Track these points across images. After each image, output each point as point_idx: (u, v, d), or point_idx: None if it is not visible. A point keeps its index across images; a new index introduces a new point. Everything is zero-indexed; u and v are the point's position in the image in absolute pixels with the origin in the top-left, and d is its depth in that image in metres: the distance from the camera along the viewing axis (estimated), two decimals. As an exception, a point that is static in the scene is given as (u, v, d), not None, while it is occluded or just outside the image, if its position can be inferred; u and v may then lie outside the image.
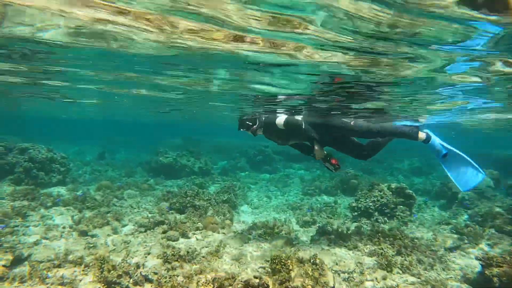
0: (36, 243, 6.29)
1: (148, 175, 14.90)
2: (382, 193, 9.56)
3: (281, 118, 5.87)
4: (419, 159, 20.20)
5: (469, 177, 5.49)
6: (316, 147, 5.68)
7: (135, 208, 9.21)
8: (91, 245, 6.22)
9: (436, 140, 5.70)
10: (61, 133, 34.11)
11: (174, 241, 6.65)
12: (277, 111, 8.58)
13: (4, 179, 10.34)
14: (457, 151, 5.57)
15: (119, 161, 19.04)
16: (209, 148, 19.62)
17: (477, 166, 5.41)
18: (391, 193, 9.63)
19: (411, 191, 9.53)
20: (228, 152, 20.35)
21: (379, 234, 6.70)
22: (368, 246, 6.48)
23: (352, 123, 5.77)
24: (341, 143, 5.95)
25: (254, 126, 6.17)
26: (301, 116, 6.08)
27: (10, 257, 5.35)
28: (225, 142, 22.49)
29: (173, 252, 5.33)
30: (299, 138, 6.03)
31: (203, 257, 5.73)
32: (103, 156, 18.91)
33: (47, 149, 11.56)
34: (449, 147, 5.63)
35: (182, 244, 6.54)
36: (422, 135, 5.68)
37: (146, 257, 5.78)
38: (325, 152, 5.76)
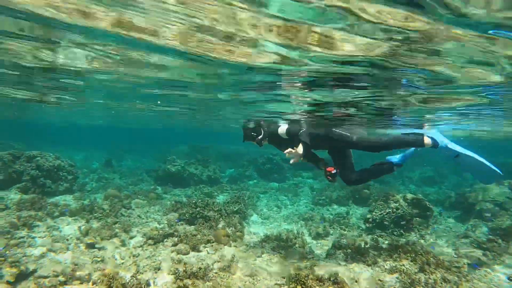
0: (42, 256, 6.05)
1: (156, 183, 14.67)
2: (397, 204, 9.21)
3: (283, 128, 5.81)
4: (431, 168, 19.76)
5: (486, 174, 5.24)
6: (298, 147, 5.34)
7: (143, 218, 8.96)
8: (99, 259, 5.96)
9: (444, 142, 5.33)
10: (68, 139, 34.19)
11: (184, 254, 6.37)
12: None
13: (12, 187, 10.17)
14: (468, 153, 5.22)
15: (126, 168, 18.86)
16: (216, 156, 19.36)
17: (491, 165, 5.10)
18: (406, 204, 9.29)
19: (428, 203, 9.18)
20: (235, 160, 20.08)
21: (400, 250, 6.36)
22: (388, 262, 6.15)
23: (354, 138, 5.49)
24: (337, 157, 5.75)
25: (259, 137, 5.99)
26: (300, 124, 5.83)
27: (15, 271, 5.12)
28: (232, 149, 22.22)
29: (185, 269, 5.06)
30: None
31: (216, 273, 5.45)
32: (110, 163, 18.74)
33: (54, 156, 11.40)
34: (458, 149, 5.28)
35: (193, 258, 6.26)
36: (427, 140, 5.33)
37: (156, 272, 5.51)
38: (303, 154, 5.32)
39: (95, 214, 8.57)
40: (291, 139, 5.72)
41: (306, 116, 7.79)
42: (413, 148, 5.54)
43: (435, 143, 5.29)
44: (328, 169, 5.40)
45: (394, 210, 9.06)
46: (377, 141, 5.47)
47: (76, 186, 11.84)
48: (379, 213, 9.17)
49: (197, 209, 8.30)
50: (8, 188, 10.14)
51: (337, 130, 5.65)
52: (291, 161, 5.28)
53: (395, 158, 5.64)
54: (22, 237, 6.78)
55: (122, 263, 6.03)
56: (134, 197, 10.99)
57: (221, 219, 8.14)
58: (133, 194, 11.14)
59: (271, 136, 6.01)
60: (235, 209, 8.97)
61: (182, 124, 17.79)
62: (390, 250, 6.53)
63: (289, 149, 5.21)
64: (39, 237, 7.02)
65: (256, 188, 15.35)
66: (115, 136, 38.29)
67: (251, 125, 6.37)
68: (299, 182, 16.85)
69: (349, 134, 5.52)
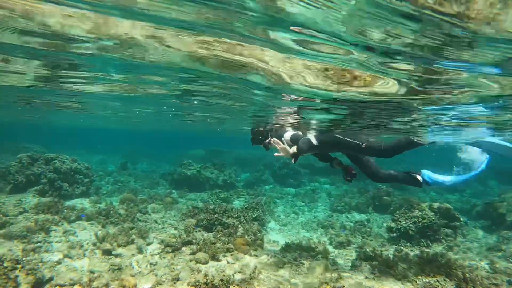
0: (58, 262, 5.88)
1: (171, 187, 14.52)
2: (423, 213, 8.77)
3: (288, 134, 5.84)
4: (450, 174, 19.02)
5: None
6: (293, 147, 5.16)
7: (159, 224, 8.76)
8: (116, 267, 5.74)
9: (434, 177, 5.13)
10: (85, 142, 34.61)
11: (203, 264, 6.11)
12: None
13: (30, 190, 10.15)
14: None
15: (141, 171, 18.81)
16: (231, 160, 19.14)
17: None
18: (433, 213, 8.83)
19: (456, 212, 8.70)
20: (251, 164, 19.80)
21: (432, 263, 5.94)
22: (420, 277, 5.73)
23: (363, 145, 5.26)
24: (355, 159, 5.62)
25: (266, 141, 6.02)
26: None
27: (31, 278, 4.94)
28: (247, 153, 21.94)
29: (205, 280, 4.78)
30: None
31: (238, 285, 5.15)
32: (126, 166, 18.72)
33: (71, 159, 11.37)
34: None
35: (212, 268, 5.98)
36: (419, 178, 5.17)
37: (175, 283, 5.25)
38: (291, 151, 5.11)
39: (111, 219, 8.41)
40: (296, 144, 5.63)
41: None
42: (451, 180, 5.13)
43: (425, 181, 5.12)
44: (349, 169, 5.39)
45: (420, 219, 8.62)
46: (387, 145, 5.22)
47: (92, 189, 11.76)
48: (404, 222, 8.74)
49: (216, 216, 8.04)
50: (26, 191, 10.12)
51: (345, 137, 5.46)
52: (275, 154, 5.18)
53: (429, 175, 5.26)
54: (39, 242, 6.65)
55: (140, 272, 5.80)
56: (150, 201, 10.82)
57: (240, 226, 7.86)
58: (149, 199, 10.97)
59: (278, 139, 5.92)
60: (254, 216, 8.66)
61: (198, 128, 17.61)
62: (420, 263, 6.11)
63: (277, 140, 5.06)
64: (56, 241, 6.88)
65: (272, 193, 15.04)
66: (130, 139, 38.55)
67: (260, 129, 6.38)
68: (316, 188, 16.44)
69: (358, 142, 5.31)
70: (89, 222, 8.37)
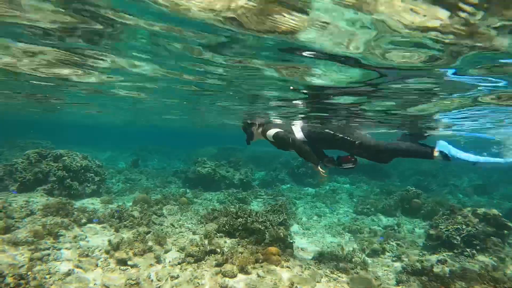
0: (68, 274, 5.18)
1: (184, 186, 13.87)
2: (466, 219, 7.93)
3: (271, 132, 5.71)
4: (478, 175, 18.09)
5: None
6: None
7: (176, 228, 8.06)
8: (133, 282, 5.02)
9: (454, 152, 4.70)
10: (93, 138, 34.25)
11: (231, 278, 5.37)
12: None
13: (37, 188, 9.53)
14: (483, 159, 4.54)
15: (152, 169, 18.21)
16: (245, 158, 18.41)
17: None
18: (477, 220, 7.98)
19: (507, 220, 7.84)
20: (265, 163, 19.07)
21: (498, 282, 5.12)
22: (485, 299, 4.93)
23: (357, 142, 5.21)
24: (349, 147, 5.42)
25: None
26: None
27: (37, 295, 4.25)
28: (261, 151, 21.15)
29: (241, 303, 4.03)
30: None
31: (276, 307, 4.40)
32: (137, 163, 18.15)
33: (82, 156, 10.74)
34: (473, 157, 4.57)
35: (242, 283, 5.24)
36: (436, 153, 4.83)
37: (202, 303, 4.52)
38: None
39: (125, 222, 7.72)
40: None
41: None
42: (477, 158, 4.59)
43: (446, 156, 4.71)
44: (345, 158, 5.23)
45: (463, 226, 7.78)
46: (385, 146, 5.10)
47: (103, 188, 11.13)
48: (445, 229, 7.90)
49: (239, 220, 7.29)
50: (34, 189, 9.51)
51: (337, 133, 5.38)
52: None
53: (448, 148, 4.78)
54: (47, 249, 5.96)
55: (159, 286, 5.09)
56: (165, 202, 10.14)
57: (266, 232, 7.10)
58: (164, 200, 10.29)
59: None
60: (280, 220, 7.91)
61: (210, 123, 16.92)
62: (482, 280, 5.30)
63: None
64: (65, 248, 6.19)
65: (290, 193, 14.30)
66: (139, 135, 38.10)
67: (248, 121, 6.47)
68: (336, 188, 15.65)
69: (351, 139, 5.23)
70: (101, 226, 7.71)
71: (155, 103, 9.43)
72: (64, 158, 10.22)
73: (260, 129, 6.07)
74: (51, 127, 33.90)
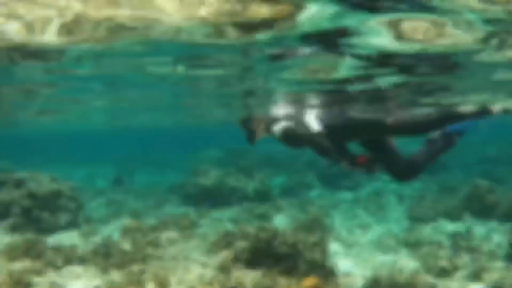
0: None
1: (185, 204, 13.90)
2: None
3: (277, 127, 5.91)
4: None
5: None
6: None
7: (181, 262, 7.97)
8: None
9: None
10: (64, 152, 34.57)
11: (261, 324, 5.18)
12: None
13: (-2, 225, 9.59)
14: None
15: (141, 185, 18.31)
16: (258, 161, 18.38)
17: None
18: None
19: None
20: (285, 164, 18.94)
21: None
22: None
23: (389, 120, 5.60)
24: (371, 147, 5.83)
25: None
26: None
27: None
28: (277, 150, 20.89)
29: None
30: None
31: None
32: (120, 180, 18.27)
33: (50, 178, 10.85)
34: None
35: (275, 331, 5.05)
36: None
37: None
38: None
39: (114, 260, 7.65)
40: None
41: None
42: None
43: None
44: (360, 159, 5.34)
45: None
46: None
47: (81, 216, 11.17)
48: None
49: (261, 244, 7.14)
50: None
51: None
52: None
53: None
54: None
55: None
56: (163, 228, 10.11)
57: (298, 256, 6.95)
58: (161, 225, 10.29)
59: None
60: (314, 240, 7.72)
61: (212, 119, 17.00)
62: None
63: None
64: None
65: (322, 201, 14.22)
66: (122, 144, 38.35)
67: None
68: (380, 189, 15.53)
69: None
70: (84, 266, 7.66)
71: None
72: (28, 182, 10.29)
73: (262, 125, 6.17)
74: (6, 143, 34.29)
